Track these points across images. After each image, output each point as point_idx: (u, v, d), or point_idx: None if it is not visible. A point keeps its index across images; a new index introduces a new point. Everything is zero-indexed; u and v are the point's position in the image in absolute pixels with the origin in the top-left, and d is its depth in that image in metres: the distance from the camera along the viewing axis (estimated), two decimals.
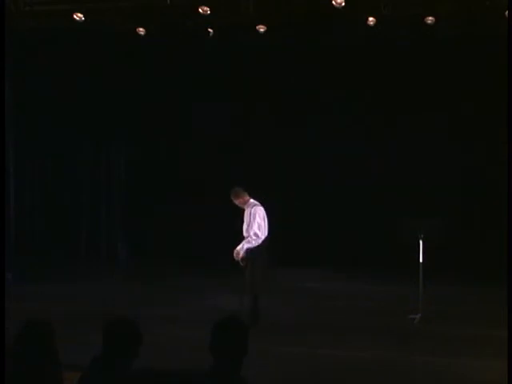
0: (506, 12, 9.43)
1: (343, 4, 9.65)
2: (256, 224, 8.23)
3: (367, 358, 7.20)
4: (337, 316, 9.13)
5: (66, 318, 7.91)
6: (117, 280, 11.93)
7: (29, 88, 12.74)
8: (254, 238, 8.24)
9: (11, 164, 12.49)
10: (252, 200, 8.47)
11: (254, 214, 8.28)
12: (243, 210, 8.46)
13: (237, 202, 8.47)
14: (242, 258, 8.29)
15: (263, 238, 8.33)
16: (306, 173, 12.90)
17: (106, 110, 13.45)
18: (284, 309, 9.56)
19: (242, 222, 8.43)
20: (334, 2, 9.66)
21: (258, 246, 8.30)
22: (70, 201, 13.74)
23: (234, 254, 8.27)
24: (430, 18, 10.20)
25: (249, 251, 8.27)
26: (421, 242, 8.69)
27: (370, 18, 10.33)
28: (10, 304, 7.26)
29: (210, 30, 11.12)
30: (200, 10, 10.20)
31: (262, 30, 10.86)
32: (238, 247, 8.26)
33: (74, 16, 10.49)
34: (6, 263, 10.06)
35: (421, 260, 8.71)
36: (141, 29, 11.07)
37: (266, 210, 8.47)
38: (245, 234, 8.35)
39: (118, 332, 3.73)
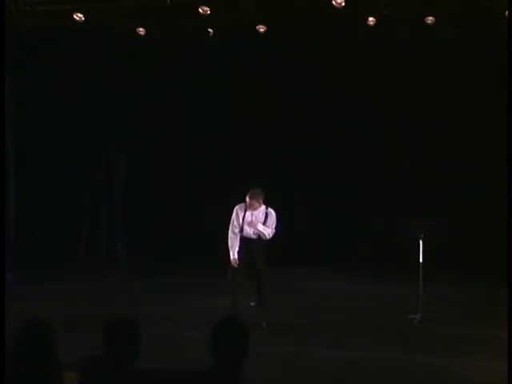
0: (506, 12, 9.43)
1: (343, 4, 9.65)
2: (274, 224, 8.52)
3: (367, 357, 7.20)
4: (337, 316, 9.13)
5: (65, 318, 7.90)
6: (117, 280, 11.93)
7: (29, 88, 12.73)
8: (271, 235, 8.53)
9: (11, 164, 12.50)
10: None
11: (273, 215, 8.51)
12: (249, 210, 8.48)
13: (254, 201, 8.40)
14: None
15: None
16: (306, 173, 12.89)
17: (106, 110, 13.45)
18: (284, 309, 9.56)
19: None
20: (334, 2, 9.66)
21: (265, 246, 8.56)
22: (70, 201, 13.73)
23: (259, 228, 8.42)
24: (430, 18, 10.19)
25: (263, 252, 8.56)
26: (421, 242, 8.68)
27: (370, 18, 10.32)
28: (10, 304, 7.26)
29: (210, 29, 11.11)
30: (200, 10, 10.19)
31: (261, 30, 10.86)
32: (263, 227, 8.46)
33: (74, 16, 10.48)
34: (6, 263, 10.06)
35: (421, 260, 8.70)
36: (141, 29, 11.06)
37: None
38: (256, 234, 8.49)
39: (117, 332, 3.73)
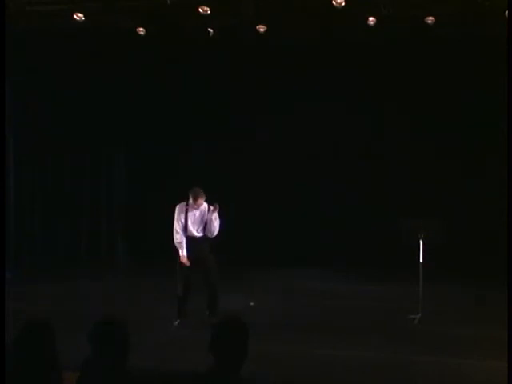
0: (506, 12, 9.44)
1: (343, 4, 9.65)
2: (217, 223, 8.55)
3: (367, 357, 7.20)
4: (337, 316, 9.13)
5: (66, 318, 7.90)
6: (117, 280, 11.92)
7: (29, 88, 12.73)
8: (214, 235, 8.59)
9: (11, 163, 12.50)
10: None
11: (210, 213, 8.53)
12: (192, 209, 8.57)
13: (196, 201, 8.50)
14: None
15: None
16: (306, 172, 12.89)
17: (106, 110, 13.43)
18: (284, 309, 9.56)
19: (199, 221, 8.60)
20: (334, 2, 9.66)
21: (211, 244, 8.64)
22: (70, 201, 13.72)
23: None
24: (430, 18, 10.20)
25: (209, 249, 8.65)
26: (421, 242, 8.68)
27: (370, 18, 10.33)
28: (9, 304, 7.26)
29: (210, 29, 11.10)
30: (200, 10, 10.20)
31: (261, 30, 10.86)
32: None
33: (74, 16, 10.49)
34: (5, 263, 10.05)
35: (421, 260, 8.71)
36: (141, 29, 11.06)
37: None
38: (201, 232, 8.59)
39: (108, 333, 3.71)
